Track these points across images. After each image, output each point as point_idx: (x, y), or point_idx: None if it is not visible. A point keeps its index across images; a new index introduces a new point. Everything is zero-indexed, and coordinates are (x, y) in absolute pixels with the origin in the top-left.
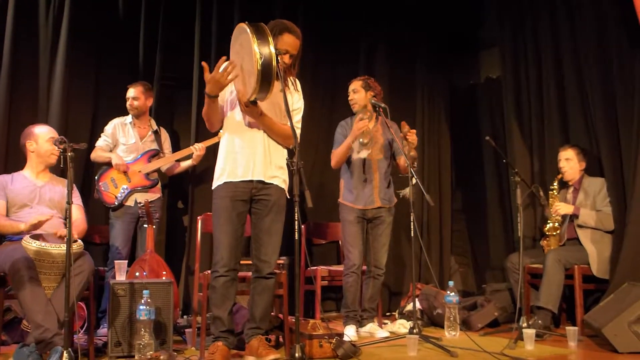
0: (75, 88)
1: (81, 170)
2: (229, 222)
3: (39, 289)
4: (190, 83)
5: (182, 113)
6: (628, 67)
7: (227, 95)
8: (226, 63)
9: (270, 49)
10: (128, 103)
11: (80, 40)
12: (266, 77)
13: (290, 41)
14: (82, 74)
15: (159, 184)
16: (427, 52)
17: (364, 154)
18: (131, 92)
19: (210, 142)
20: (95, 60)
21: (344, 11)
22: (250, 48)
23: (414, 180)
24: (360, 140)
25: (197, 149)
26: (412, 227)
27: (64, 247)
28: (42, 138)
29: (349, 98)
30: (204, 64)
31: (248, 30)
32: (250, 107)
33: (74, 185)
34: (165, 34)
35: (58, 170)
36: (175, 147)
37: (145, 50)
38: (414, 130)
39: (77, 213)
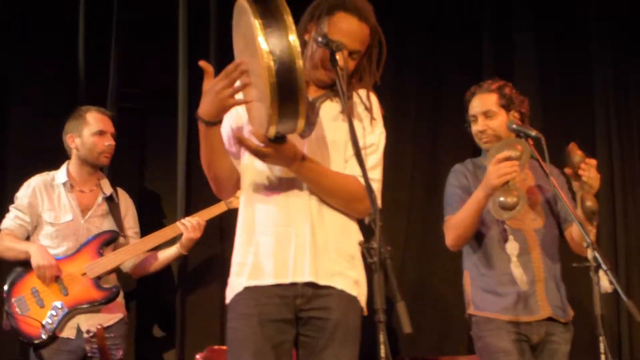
0: None
1: None
2: None
3: None
4: (172, 103)
5: (159, 159)
6: None
7: (245, 123)
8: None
9: (288, 39)
10: (104, 143)
11: None
12: (287, 90)
13: (352, 28)
14: None
15: (121, 294)
16: (607, 27)
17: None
18: (106, 122)
19: (213, 212)
20: (5, 65)
21: None
22: (254, 44)
23: (594, 267)
24: (501, 198)
25: (189, 226)
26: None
27: None
28: None
29: (477, 129)
30: (202, 63)
31: (249, 10)
32: (272, 150)
33: None
34: (122, 16)
35: None
36: (148, 225)
37: (88, 48)
38: (593, 161)
39: None
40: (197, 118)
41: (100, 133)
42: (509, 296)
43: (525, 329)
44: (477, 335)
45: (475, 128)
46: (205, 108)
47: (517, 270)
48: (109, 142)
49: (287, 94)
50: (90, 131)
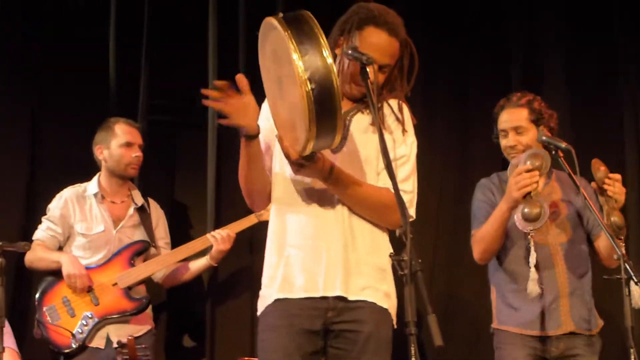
0: None
1: (9, 285)
2: None
3: None
4: (203, 115)
5: (189, 171)
6: None
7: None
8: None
9: (324, 57)
10: (131, 154)
11: (3, 42)
12: (325, 109)
13: (381, 42)
14: (7, 102)
15: (150, 306)
16: (636, 37)
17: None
18: (134, 134)
19: (243, 225)
20: (31, 80)
21: None
22: (289, 65)
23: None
24: (525, 210)
25: (219, 238)
26: None
27: None
28: None
29: (507, 144)
30: (217, 83)
31: (280, 28)
32: (306, 167)
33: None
34: (153, 29)
35: None
36: (178, 236)
37: (118, 60)
38: (618, 176)
39: None
40: (241, 138)
41: (128, 145)
42: (531, 311)
43: (543, 344)
44: (495, 347)
45: (505, 143)
46: (244, 123)
47: (532, 280)
48: (135, 153)
49: (325, 114)
50: (117, 143)
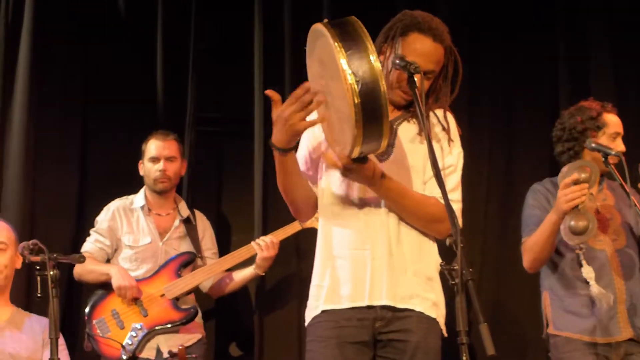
0: (46, 142)
1: (61, 299)
2: None
3: None
4: (249, 126)
5: (236, 181)
6: None
7: (322, 143)
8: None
9: (371, 62)
10: (155, 169)
11: (53, 58)
12: (371, 111)
13: (425, 47)
14: (58, 116)
15: (199, 315)
16: None
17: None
18: (160, 147)
19: (287, 232)
20: (81, 92)
21: None
22: (335, 66)
23: None
24: (572, 223)
25: (263, 245)
26: None
27: None
28: None
29: (621, 149)
30: (269, 92)
31: (327, 34)
32: (355, 169)
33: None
34: (200, 41)
35: (22, 297)
36: (225, 246)
37: (166, 72)
38: None
39: None
40: (271, 147)
41: (153, 159)
42: (590, 317)
43: (604, 350)
44: (556, 357)
45: (616, 146)
46: (277, 136)
47: (596, 290)
48: (159, 168)
49: (372, 114)
50: (147, 158)
